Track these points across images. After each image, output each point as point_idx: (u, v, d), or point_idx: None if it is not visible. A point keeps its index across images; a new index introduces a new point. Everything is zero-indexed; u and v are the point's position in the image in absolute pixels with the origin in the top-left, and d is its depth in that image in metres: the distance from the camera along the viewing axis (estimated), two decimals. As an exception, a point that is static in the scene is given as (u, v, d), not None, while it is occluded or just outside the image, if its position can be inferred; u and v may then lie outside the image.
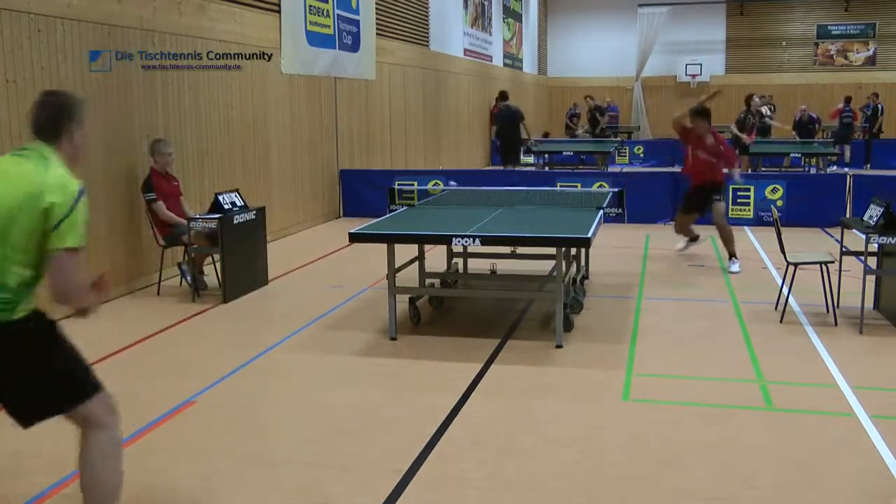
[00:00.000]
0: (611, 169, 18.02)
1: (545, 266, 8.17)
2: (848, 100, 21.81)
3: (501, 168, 15.73)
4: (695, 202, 9.53)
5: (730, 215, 12.20)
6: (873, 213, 6.75)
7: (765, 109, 21.55)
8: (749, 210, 12.25)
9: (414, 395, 5.43)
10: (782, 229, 7.23)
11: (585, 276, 8.48)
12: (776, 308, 7.32)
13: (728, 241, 9.25)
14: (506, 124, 15.81)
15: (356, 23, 13.58)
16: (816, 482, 4.16)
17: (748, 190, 12.26)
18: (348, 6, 13.24)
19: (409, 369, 5.93)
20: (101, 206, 7.73)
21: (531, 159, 20.23)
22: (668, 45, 29.54)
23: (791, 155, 18.21)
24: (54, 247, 3.15)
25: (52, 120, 3.31)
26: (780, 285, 7.66)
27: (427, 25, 17.65)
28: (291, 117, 11.62)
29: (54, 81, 7.07)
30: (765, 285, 8.32)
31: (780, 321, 7.00)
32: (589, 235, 6.22)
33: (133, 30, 8.12)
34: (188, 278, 8.05)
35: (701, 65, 29.92)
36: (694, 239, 9.98)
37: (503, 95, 16.62)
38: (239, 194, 8.30)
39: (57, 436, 4.82)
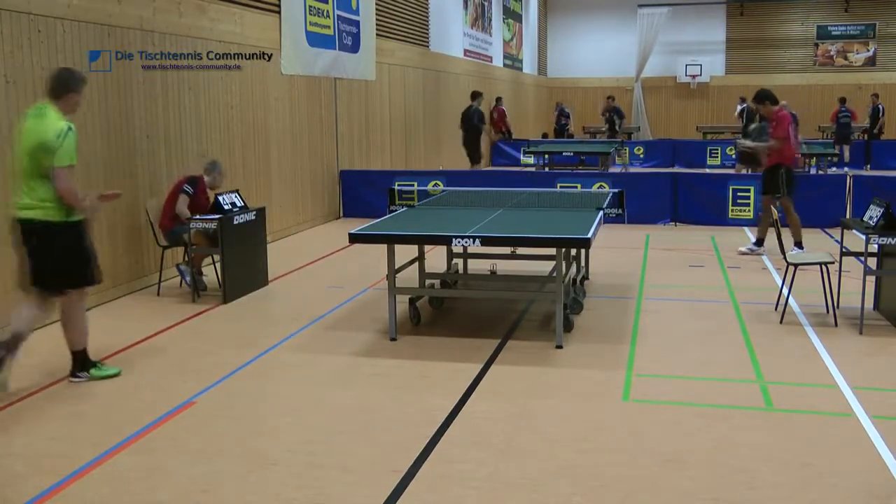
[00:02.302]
0: (611, 169, 18.02)
1: (545, 267, 8.17)
2: (842, 100, 21.83)
3: (501, 169, 15.96)
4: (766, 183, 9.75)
5: (730, 216, 12.25)
6: (873, 213, 6.75)
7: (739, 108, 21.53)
8: (749, 210, 12.24)
9: (414, 395, 5.43)
10: (782, 230, 7.23)
11: (585, 277, 8.48)
12: (776, 308, 7.32)
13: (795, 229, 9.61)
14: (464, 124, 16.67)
15: (356, 23, 13.58)
16: (816, 482, 4.16)
17: (748, 190, 12.25)
18: (348, 6, 13.25)
19: (409, 370, 5.93)
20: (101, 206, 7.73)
21: (531, 160, 20.23)
22: (668, 45, 29.56)
23: None
24: (53, 165, 5.18)
25: (55, 86, 5.36)
26: (780, 286, 7.66)
27: (427, 26, 17.65)
28: (291, 118, 11.62)
29: (54, 82, 7.08)
30: (765, 285, 8.32)
31: (780, 321, 7.00)
32: (589, 236, 6.22)
33: (133, 30, 8.13)
34: (186, 279, 8.06)
35: (701, 65, 29.95)
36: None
37: (473, 95, 17.28)
38: (239, 195, 8.30)
39: (55, 438, 4.84)
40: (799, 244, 9.57)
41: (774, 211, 7.71)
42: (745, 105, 21.28)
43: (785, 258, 7.07)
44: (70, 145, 5.21)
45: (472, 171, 15.90)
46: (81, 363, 5.71)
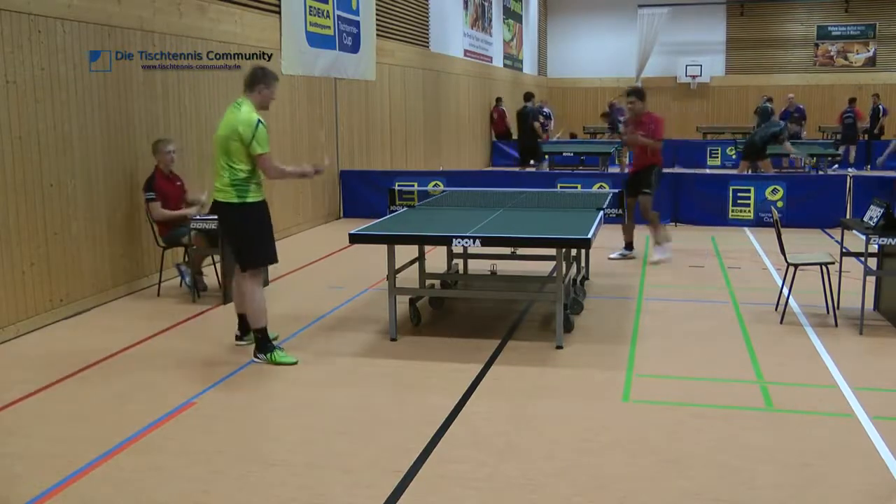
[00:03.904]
0: (611, 170, 18.01)
1: (545, 267, 8.17)
2: (851, 101, 21.83)
3: (501, 169, 15.99)
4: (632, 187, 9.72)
5: (730, 216, 12.25)
6: (873, 213, 6.75)
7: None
8: (749, 211, 12.25)
9: (414, 395, 5.43)
10: (782, 230, 7.23)
11: (586, 277, 8.48)
12: (776, 309, 7.32)
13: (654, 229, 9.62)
14: (520, 126, 16.98)
15: (356, 23, 13.58)
16: (816, 482, 4.16)
17: (748, 191, 12.26)
18: (348, 7, 13.25)
19: (410, 370, 5.93)
20: (102, 207, 7.74)
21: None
22: (669, 45, 29.54)
23: (790, 156, 18.18)
24: (254, 154, 5.79)
25: (248, 80, 5.98)
26: (780, 286, 7.66)
27: (427, 26, 17.65)
28: (291, 118, 11.62)
29: (54, 82, 7.08)
30: (765, 286, 8.32)
31: (781, 322, 7.00)
32: (589, 236, 6.22)
33: (133, 31, 8.12)
34: (186, 279, 8.05)
35: (701, 66, 29.93)
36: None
37: (527, 96, 17.53)
38: (239, 195, 8.28)
39: (55, 438, 4.84)
40: (659, 244, 9.65)
41: (775, 212, 7.71)
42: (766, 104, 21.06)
43: (785, 259, 7.07)
44: (262, 135, 5.77)
45: (471, 172, 15.90)
46: (260, 344, 6.04)
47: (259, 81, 5.96)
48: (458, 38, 19.92)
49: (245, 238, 5.97)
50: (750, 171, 14.87)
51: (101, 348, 6.35)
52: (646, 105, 9.66)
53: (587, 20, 30.89)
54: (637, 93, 9.73)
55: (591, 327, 6.92)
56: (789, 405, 5.19)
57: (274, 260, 6.18)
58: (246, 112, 5.82)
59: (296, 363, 6.00)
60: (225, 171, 5.86)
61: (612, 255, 9.73)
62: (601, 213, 7.27)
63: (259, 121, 5.79)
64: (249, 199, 5.89)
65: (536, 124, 16.68)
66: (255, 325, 6.04)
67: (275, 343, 6.14)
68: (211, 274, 8.32)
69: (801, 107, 22.57)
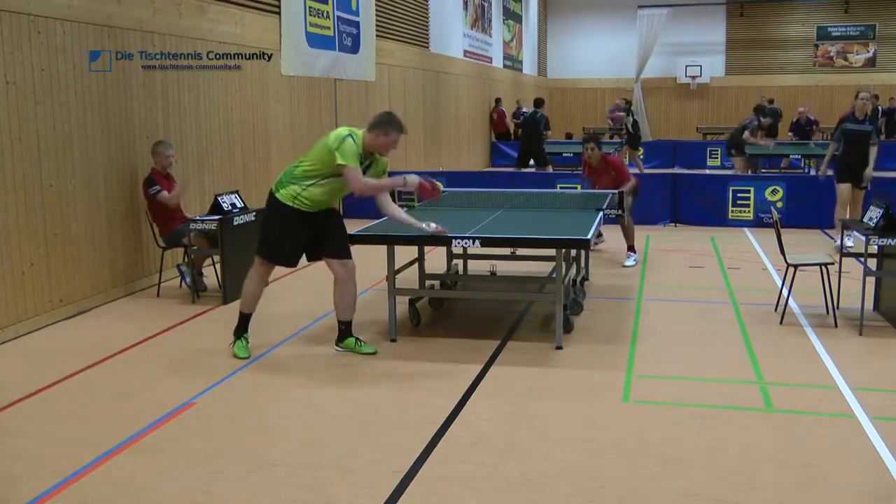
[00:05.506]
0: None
1: (545, 267, 8.17)
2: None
3: (501, 169, 16.05)
4: None
5: (730, 216, 12.26)
6: (873, 214, 6.75)
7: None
8: (749, 211, 12.25)
9: (414, 396, 5.43)
10: (782, 231, 7.24)
11: (585, 278, 8.48)
12: (776, 309, 7.32)
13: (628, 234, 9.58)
14: (526, 129, 17.28)
15: (356, 24, 13.59)
16: (816, 483, 4.16)
17: (748, 191, 12.26)
18: (348, 7, 13.25)
19: (409, 370, 5.93)
20: (101, 207, 7.74)
21: (531, 161, 20.22)
22: (668, 46, 29.54)
23: (791, 156, 18.20)
24: (336, 162, 5.72)
25: (370, 122, 5.88)
26: (779, 287, 7.66)
27: (427, 27, 17.66)
28: (291, 119, 11.62)
29: (54, 83, 7.08)
30: (765, 286, 8.32)
31: (780, 322, 7.00)
32: (588, 237, 6.22)
33: (133, 31, 8.12)
34: (187, 280, 8.05)
35: (701, 66, 29.94)
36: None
37: (538, 103, 17.56)
38: (239, 195, 8.30)
39: (55, 438, 4.84)
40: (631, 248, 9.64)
41: (775, 212, 7.71)
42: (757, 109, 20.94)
43: (785, 259, 7.08)
44: (346, 148, 5.68)
45: (471, 172, 15.94)
46: (237, 328, 6.25)
47: (379, 125, 5.84)
48: (457, 39, 19.92)
49: (262, 227, 6.20)
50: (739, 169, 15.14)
51: (100, 348, 6.35)
52: (597, 151, 9.69)
53: (587, 20, 30.89)
54: (597, 140, 9.87)
55: (591, 328, 6.92)
56: (789, 405, 5.19)
57: (278, 262, 6.20)
58: (344, 129, 5.83)
59: (246, 357, 6.10)
60: (295, 171, 5.99)
61: (626, 263, 9.50)
62: (601, 213, 7.27)
63: (350, 134, 5.74)
64: (278, 196, 5.96)
65: (548, 134, 17.01)
66: (240, 308, 6.25)
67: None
68: (211, 275, 8.32)
69: (813, 119, 21.96)
